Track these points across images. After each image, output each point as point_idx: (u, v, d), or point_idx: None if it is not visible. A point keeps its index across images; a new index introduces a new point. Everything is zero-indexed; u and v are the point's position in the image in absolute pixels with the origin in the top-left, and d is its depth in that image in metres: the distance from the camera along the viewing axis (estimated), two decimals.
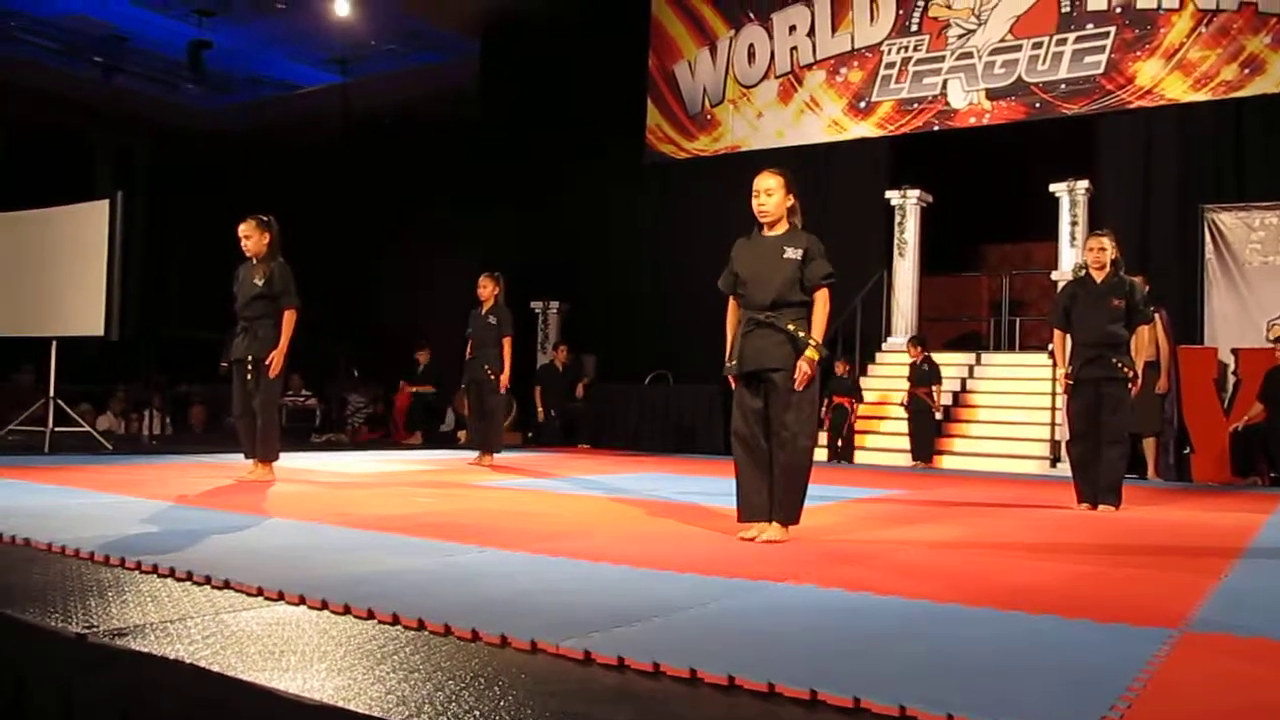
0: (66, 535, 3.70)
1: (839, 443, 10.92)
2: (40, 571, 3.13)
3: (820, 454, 6.57)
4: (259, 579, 2.95)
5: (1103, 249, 6.20)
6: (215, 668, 2.10)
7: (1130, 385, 6.08)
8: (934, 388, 10.70)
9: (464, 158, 15.98)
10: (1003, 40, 11.81)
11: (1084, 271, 6.38)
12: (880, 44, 12.63)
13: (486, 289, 8.73)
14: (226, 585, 2.95)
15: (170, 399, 14.57)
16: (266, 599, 2.81)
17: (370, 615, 2.61)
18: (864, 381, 11.99)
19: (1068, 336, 6.39)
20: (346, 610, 2.66)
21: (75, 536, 3.68)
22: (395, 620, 2.56)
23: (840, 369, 11.04)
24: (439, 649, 2.32)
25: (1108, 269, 6.20)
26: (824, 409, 10.26)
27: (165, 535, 3.92)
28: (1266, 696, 2.17)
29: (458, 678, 2.08)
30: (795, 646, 2.41)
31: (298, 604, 2.75)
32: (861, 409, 11.41)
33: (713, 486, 6.73)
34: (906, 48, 12.45)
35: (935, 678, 2.18)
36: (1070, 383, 6.21)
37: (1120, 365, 6.04)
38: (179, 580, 3.04)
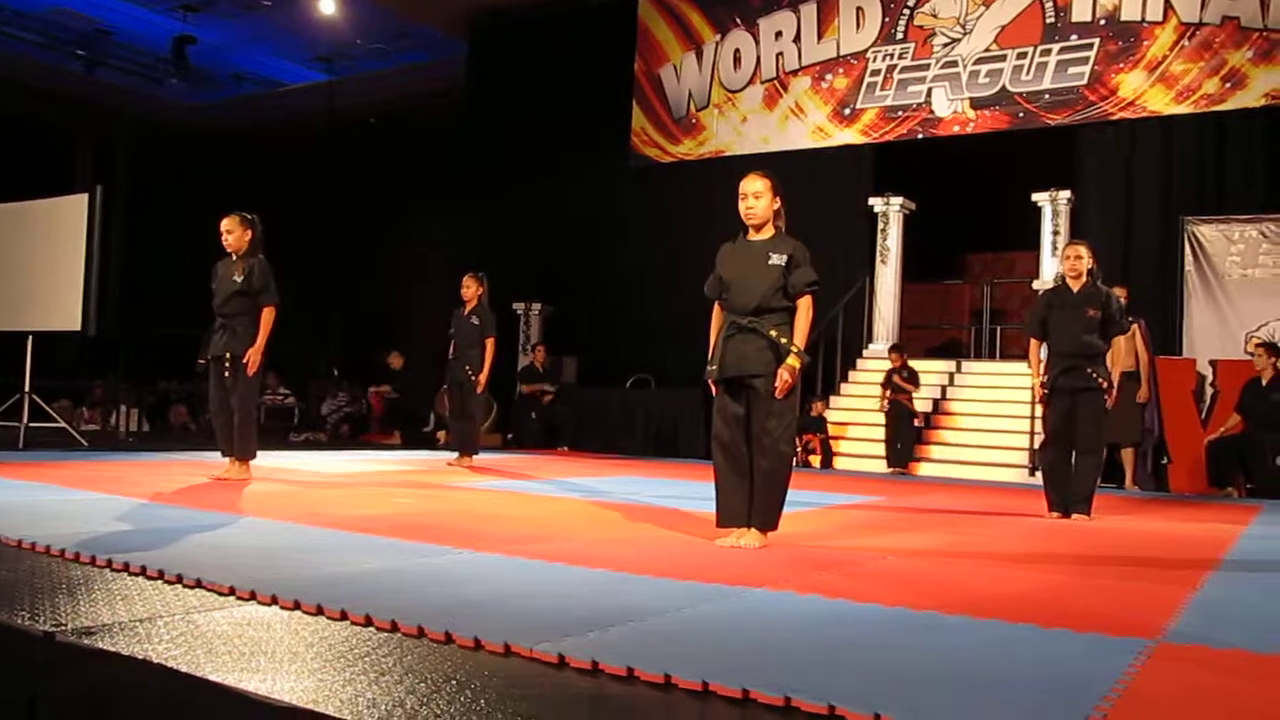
0: (37, 532, 3.66)
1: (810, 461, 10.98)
2: (9, 569, 3.09)
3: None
4: (231, 579, 2.92)
5: (1079, 258, 6.22)
6: (184, 668, 2.08)
7: (1106, 395, 6.09)
8: (909, 389, 10.74)
9: (449, 158, 15.95)
10: (987, 50, 11.86)
11: (1061, 281, 6.39)
12: (866, 51, 12.67)
13: (470, 289, 8.71)
14: (198, 584, 2.91)
15: (149, 396, 14.48)
16: (238, 599, 2.78)
17: (343, 616, 2.59)
18: (844, 387, 12.06)
19: (1043, 345, 6.40)
20: (319, 611, 2.64)
21: (46, 533, 3.64)
22: (368, 622, 2.54)
23: (816, 409, 11.08)
24: (412, 651, 2.30)
25: (1084, 278, 6.21)
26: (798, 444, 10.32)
27: (137, 533, 3.88)
28: (1240, 708, 2.17)
29: (430, 680, 2.07)
30: (771, 653, 2.40)
31: (270, 604, 2.72)
32: (842, 415, 11.48)
33: (692, 491, 6.72)
34: (892, 55, 12.48)
35: (911, 686, 2.17)
36: (1045, 391, 6.22)
37: (1095, 375, 6.06)
38: (150, 579, 3.01)
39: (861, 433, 11.38)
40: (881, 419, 10.88)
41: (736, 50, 13.62)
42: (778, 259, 4.25)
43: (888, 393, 10.77)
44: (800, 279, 4.25)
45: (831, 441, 11.17)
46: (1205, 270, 10.30)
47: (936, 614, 2.92)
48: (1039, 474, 6.71)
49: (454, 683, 2.06)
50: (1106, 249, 10.01)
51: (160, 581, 2.97)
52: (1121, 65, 11.08)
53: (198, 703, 2.02)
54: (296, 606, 2.68)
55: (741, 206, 4.37)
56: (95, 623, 2.40)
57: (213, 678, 2.03)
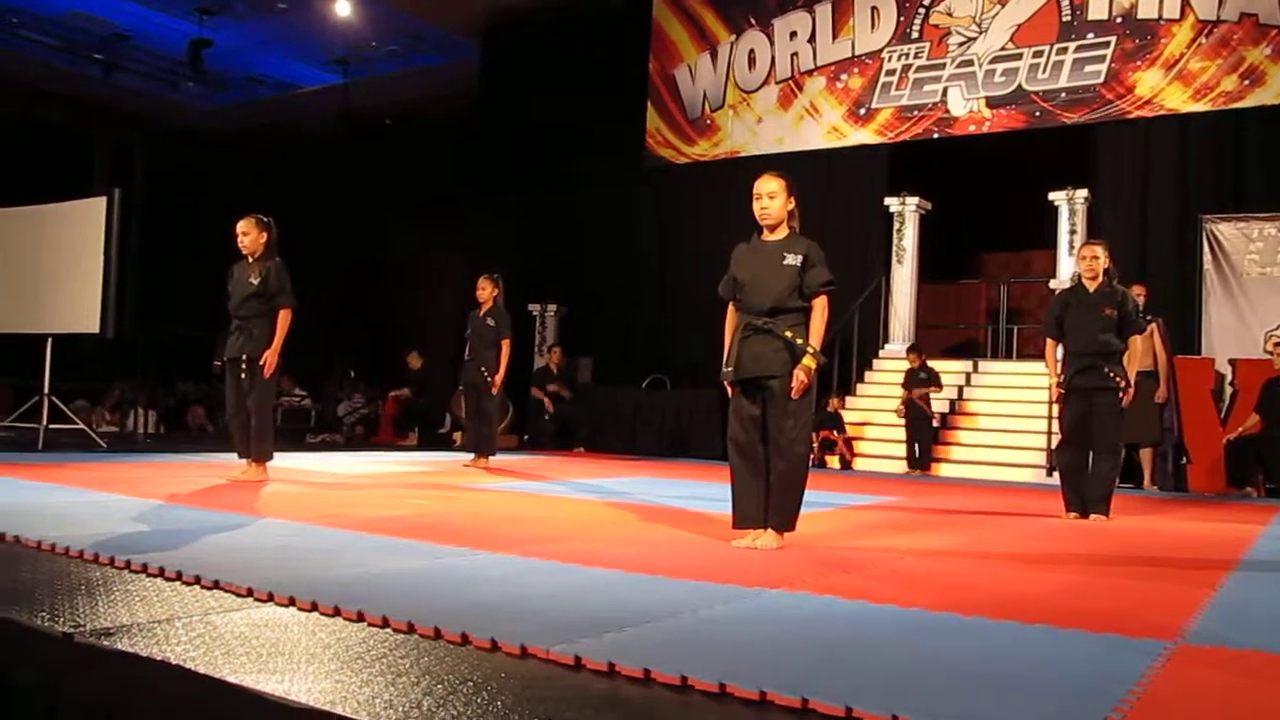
0: (56, 533, 3.68)
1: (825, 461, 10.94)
2: (29, 569, 3.10)
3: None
4: (249, 580, 2.93)
5: (1095, 258, 6.19)
6: (202, 669, 2.08)
7: (1122, 394, 6.06)
8: (930, 389, 10.71)
9: (464, 159, 15.98)
10: (1003, 49, 11.82)
11: (1078, 281, 6.37)
12: (881, 51, 12.64)
13: (485, 291, 8.71)
14: (216, 586, 2.92)
15: (167, 397, 14.56)
16: (256, 600, 2.79)
17: (360, 618, 2.59)
18: (860, 387, 12.04)
19: (1060, 345, 6.38)
20: (336, 612, 2.64)
21: (65, 534, 3.66)
22: (385, 623, 2.54)
23: (831, 405, 11.04)
24: (428, 653, 2.30)
25: (1100, 278, 6.19)
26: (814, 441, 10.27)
27: (155, 534, 3.89)
28: (1261, 710, 2.15)
29: (446, 682, 2.07)
30: (788, 654, 2.40)
31: (287, 605, 2.72)
32: (858, 416, 11.47)
33: (708, 492, 6.72)
34: (907, 55, 12.45)
35: (928, 687, 2.16)
36: (1062, 391, 6.19)
37: (1112, 374, 6.02)
38: (168, 580, 3.02)
39: (878, 433, 11.35)
40: (898, 419, 10.85)
41: (751, 50, 13.61)
42: (793, 259, 4.24)
43: (906, 394, 10.74)
44: (815, 279, 4.23)
45: (851, 442, 11.15)
46: (1224, 269, 10.23)
47: (954, 615, 2.90)
48: (1056, 474, 6.68)
49: (471, 684, 2.06)
50: (1124, 248, 9.96)
51: (178, 583, 2.98)
52: (1139, 63, 11.02)
53: (215, 704, 2.03)
54: (314, 608, 2.68)
55: (756, 207, 4.36)
56: (114, 624, 2.41)
57: (230, 679, 2.03)
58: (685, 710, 1.99)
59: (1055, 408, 6.96)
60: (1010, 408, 11.01)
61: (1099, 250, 6.22)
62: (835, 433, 11.03)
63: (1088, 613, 3.06)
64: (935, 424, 10.85)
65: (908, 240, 12.39)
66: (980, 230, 12.97)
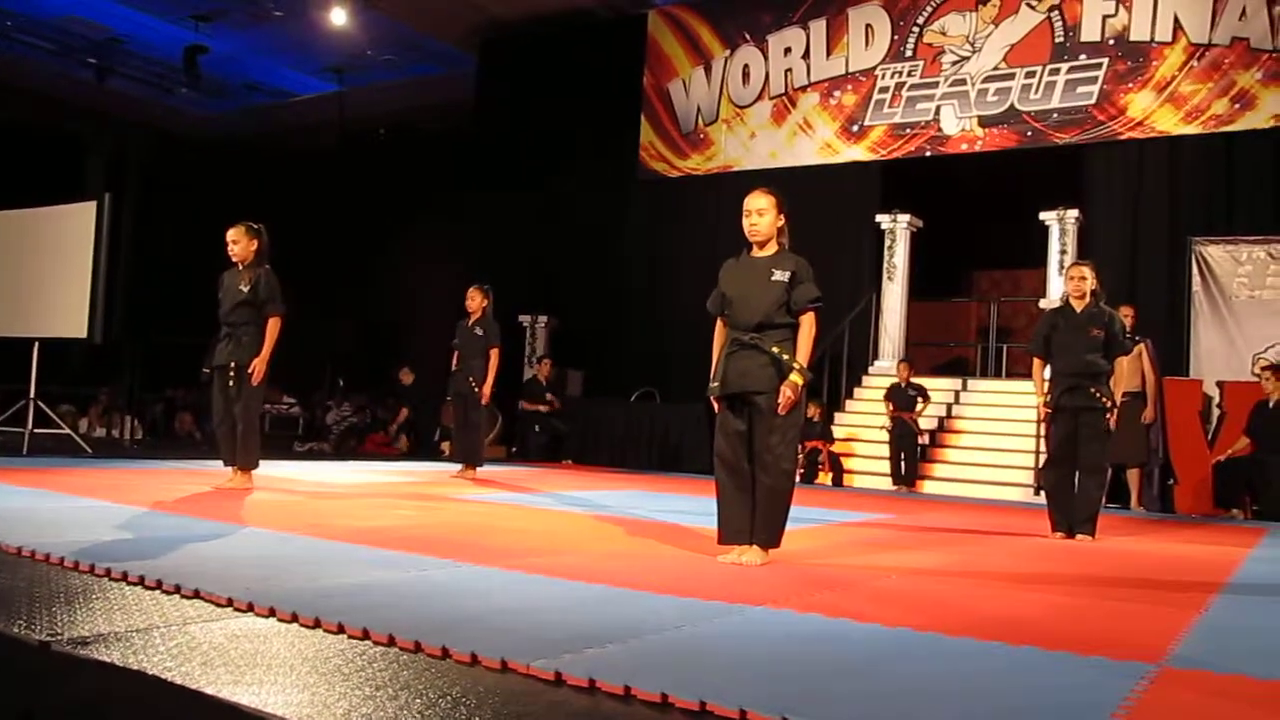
0: (37, 539, 3.65)
1: (815, 478, 10.90)
2: (7, 576, 3.08)
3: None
4: (229, 590, 2.91)
5: (1083, 278, 6.22)
6: (179, 680, 2.06)
7: (1108, 415, 6.07)
8: (919, 403, 10.70)
9: (457, 170, 15.98)
10: (996, 68, 11.87)
11: (1065, 301, 6.39)
12: (875, 68, 12.68)
13: (475, 301, 8.71)
14: (196, 595, 2.90)
15: (154, 404, 14.49)
16: (236, 610, 2.77)
17: (340, 630, 2.58)
18: (849, 404, 12.02)
19: (1047, 365, 6.39)
20: (316, 624, 2.62)
21: (45, 541, 3.63)
22: (365, 635, 2.52)
23: (813, 412, 10.95)
24: (408, 666, 2.29)
25: (1087, 299, 6.21)
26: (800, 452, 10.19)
27: (137, 542, 3.86)
28: None
29: (426, 696, 2.05)
30: (769, 673, 2.38)
31: (267, 616, 2.71)
32: (846, 432, 11.46)
33: (695, 506, 6.71)
34: (901, 73, 12.50)
35: (911, 708, 2.15)
36: (1049, 411, 6.21)
37: (1098, 394, 6.04)
38: (148, 588, 2.99)
39: (866, 449, 11.34)
40: (885, 435, 10.85)
41: (745, 66, 13.64)
42: (781, 275, 4.24)
43: (891, 407, 10.74)
44: (803, 295, 4.24)
45: (841, 459, 11.12)
46: (1212, 291, 10.27)
47: (939, 635, 2.90)
48: (1043, 493, 6.68)
49: (449, 699, 2.04)
50: (1114, 269, 10.00)
51: (158, 591, 2.96)
52: (1130, 85, 11.08)
53: (191, 715, 2.01)
54: (294, 619, 2.66)
55: (745, 223, 4.36)
56: (92, 633, 2.39)
57: (207, 690, 2.01)
58: None
59: (1043, 427, 6.96)
60: (999, 426, 11.02)
61: (1086, 271, 6.25)
62: (822, 443, 10.97)
63: (1073, 634, 3.06)
64: (923, 441, 10.85)
65: (899, 257, 12.42)
66: (971, 249, 13.01)
